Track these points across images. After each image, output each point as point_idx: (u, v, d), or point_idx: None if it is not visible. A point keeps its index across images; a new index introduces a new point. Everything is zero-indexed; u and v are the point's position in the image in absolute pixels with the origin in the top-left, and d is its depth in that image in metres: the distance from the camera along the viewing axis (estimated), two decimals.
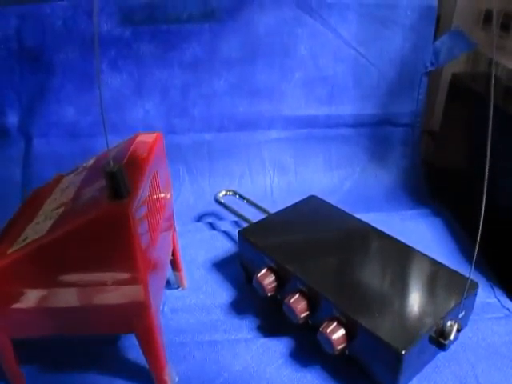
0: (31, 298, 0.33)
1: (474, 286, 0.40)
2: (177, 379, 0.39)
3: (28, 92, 0.64)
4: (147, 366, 0.37)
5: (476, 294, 0.41)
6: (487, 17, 0.66)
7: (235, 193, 0.62)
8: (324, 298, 0.39)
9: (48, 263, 0.32)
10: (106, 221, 0.30)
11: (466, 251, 0.55)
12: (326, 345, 0.38)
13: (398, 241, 0.46)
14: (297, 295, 0.41)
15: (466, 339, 0.42)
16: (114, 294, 0.33)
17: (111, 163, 0.29)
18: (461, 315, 0.39)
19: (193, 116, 0.67)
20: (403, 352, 0.34)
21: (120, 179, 0.29)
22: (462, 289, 0.38)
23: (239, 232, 0.48)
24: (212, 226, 0.61)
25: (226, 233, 0.59)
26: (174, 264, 0.48)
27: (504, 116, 0.51)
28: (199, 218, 0.64)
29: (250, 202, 0.60)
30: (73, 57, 0.63)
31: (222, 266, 0.54)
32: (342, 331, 0.37)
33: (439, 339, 0.36)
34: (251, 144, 0.70)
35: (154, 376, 0.37)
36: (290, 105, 0.68)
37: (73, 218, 0.32)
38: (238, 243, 0.49)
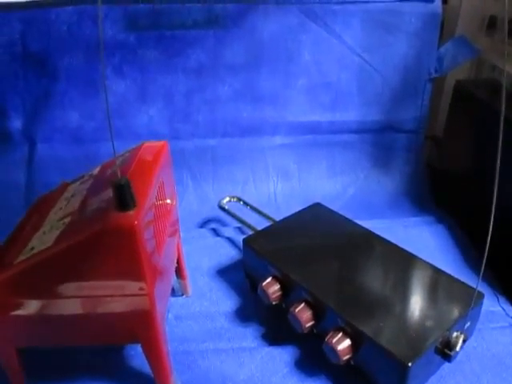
0: (37, 308, 0.33)
1: (479, 296, 0.40)
2: None
3: (32, 97, 0.64)
4: (152, 375, 0.37)
5: (482, 305, 0.41)
6: (491, 23, 0.66)
7: (239, 199, 0.62)
8: (329, 308, 0.39)
9: (54, 274, 0.32)
10: (114, 232, 0.30)
11: (469, 259, 0.55)
12: (332, 355, 0.38)
13: (403, 249, 0.46)
14: (302, 305, 0.41)
15: (470, 349, 0.42)
16: (120, 304, 0.33)
17: (119, 175, 0.29)
18: (466, 326, 0.39)
19: (197, 122, 0.67)
20: (409, 364, 0.34)
21: (127, 191, 0.29)
22: (468, 299, 0.38)
23: (244, 240, 0.48)
24: (216, 233, 0.61)
25: (229, 239, 0.59)
26: (179, 271, 0.48)
27: (509, 123, 0.51)
28: (203, 224, 0.64)
29: (253, 208, 0.60)
30: (77, 62, 0.63)
31: (226, 273, 0.54)
32: (347, 342, 0.37)
33: (445, 350, 0.36)
34: (255, 150, 0.70)
35: None
36: (294, 111, 0.68)
37: (79, 229, 0.32)
38: (243, 251, 0.49)
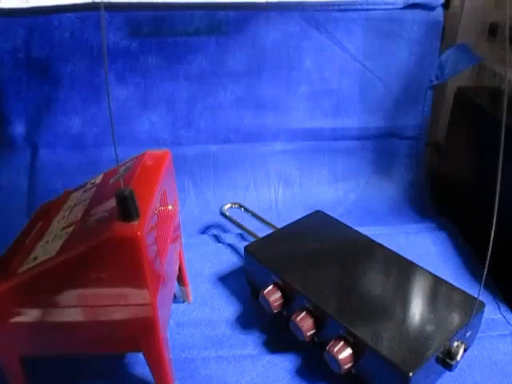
0: (41, 317, 0.33)
1: (481, 305, 0.40)
2: None
3: (35, 103, 0.65)
4: (154, 383, 0.37)
5: (483, 313, 0.41)
6: (492, 30, 0.67)
7: (240, 206, 0.62)
8: (331, 317, 0.39)
9: (58, 284, 0.32)
10: (117, 243, 0.30)
11: (470, 265, 0.55)
12: (333, 364, 0.38)
13: (404, 258, 0.46)
14: (303, 313, 0.41)
15: (471, 358, 0.42)
16: (123, 313, 0.33)
17: (122, 185, 0.29)
18: (467, 335, 0.39)
19: (198, 128, 0.68)
20: (410, 373, 0.34)
21: (131, 202, 0.30)
22: (469, 308, 0.39)
23: (245, 248, 0.48)
24: (217, 239, 0.61)
25: (231, 246, 0.60)
26: (180, 278, 0.49)
27: (510, 130, 0.51)
28: (204, 230, 0.65)
29: (255, 215, 0.60)
30: (80, 68, 0.63)
31: (227, 279, 0.54)
32: (348, 351, 0.38)
33: (446, 359, 0.36)
34: (256, 156, 0.70)
35: None
36: (296, 117, 0.68)
37: (83, 239, 0.32)
38: (244, 259, 0.49)
